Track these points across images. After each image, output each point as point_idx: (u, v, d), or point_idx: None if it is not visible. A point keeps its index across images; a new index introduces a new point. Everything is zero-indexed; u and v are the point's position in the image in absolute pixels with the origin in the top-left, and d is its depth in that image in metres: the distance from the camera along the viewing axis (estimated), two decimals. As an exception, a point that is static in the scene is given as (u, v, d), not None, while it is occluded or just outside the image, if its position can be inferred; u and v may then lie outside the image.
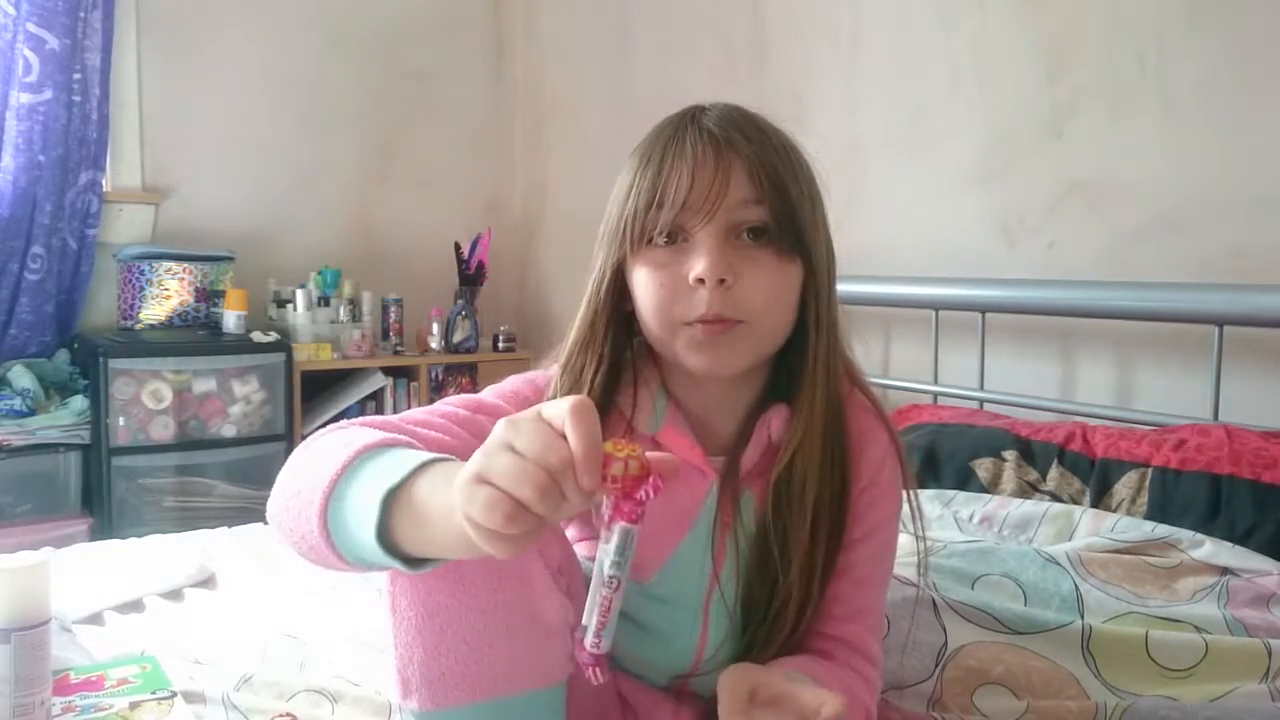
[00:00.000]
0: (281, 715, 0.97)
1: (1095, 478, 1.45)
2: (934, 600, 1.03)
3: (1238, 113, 1.56)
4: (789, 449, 0.83)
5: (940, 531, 1.36)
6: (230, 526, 1.70)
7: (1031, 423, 1.64)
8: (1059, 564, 1.15)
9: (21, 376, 2.46)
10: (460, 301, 3.04)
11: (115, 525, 2.41)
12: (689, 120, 0.82)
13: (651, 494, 0.55)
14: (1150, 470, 1.40)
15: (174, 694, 1.01)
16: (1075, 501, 1.44)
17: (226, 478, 2.62)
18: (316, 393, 2.89)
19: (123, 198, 2.76)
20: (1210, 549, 1.21)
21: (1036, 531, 1.35)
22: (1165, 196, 1.65)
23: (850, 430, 0.86)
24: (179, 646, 1.16)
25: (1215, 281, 1.53)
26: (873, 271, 2.07)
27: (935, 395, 1.94)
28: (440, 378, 3.00)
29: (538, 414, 0.55)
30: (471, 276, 3.07)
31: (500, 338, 3.12)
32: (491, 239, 3.13)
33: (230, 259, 2.82)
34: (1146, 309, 1.59)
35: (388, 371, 2.91)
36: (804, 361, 0.84)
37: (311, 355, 2.76)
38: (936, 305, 1.93)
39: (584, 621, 0.58)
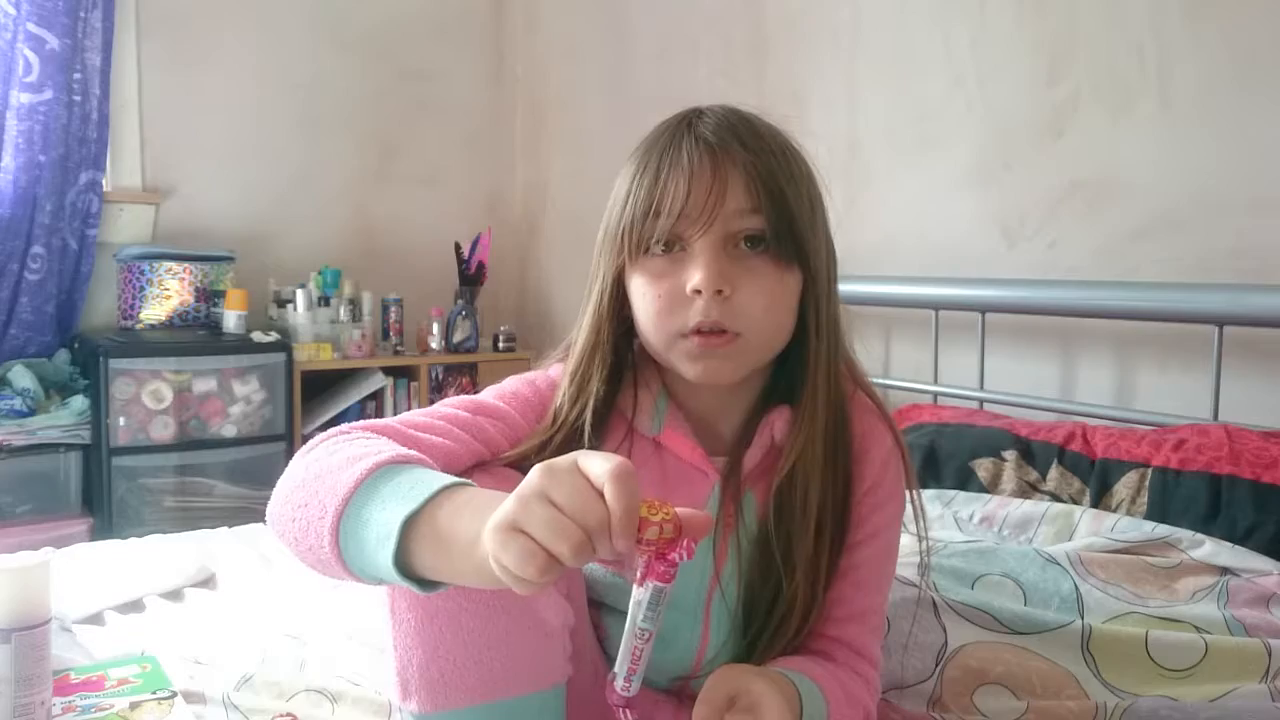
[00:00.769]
0: (282, 715, 0.98)
1: (1095, 478, 1.45)
2: (934, 600, 1.03)
3: (1237, 112, 1.56)
4: (790, 456, 0.83)
5: (940, 531, 1.36)
6: (230, 526, 1.70)
7: (1031, 423, 1.64)
8: (1059, 564, 1.15)
9: (22, 376, 2.46)
10: (460, 301, 3.04)
11: (115, 525, 2.41)
12: (686, 126, 0.81)
13: (685, 556, 0.56)
14: (1150, 470, 1.40)
15: (174, 694, 1.01)
16: (1075, 501, 1.44)
17: (226, 478, 2.61)
18: (317, 393, 2.89)
19: (123, 198, 2.76)
20: (1210, 549, 1.21)
21: (1036, 531, 1.35)
22: (1165, 196, 1.65)
23: (854, 432, 0.86)
24: (179, 646, 1.16)
25: (1215, 281, 1.53)
26: (873, 271, 2.07)
27: (935, 395, 1.94)
28: (440, 378, 3.00)
29: (575, 466, 0.55)
30: (471, 276, 3.07)
31: (500, 338, 3.12)
32: (491, 239, 3.13)
33: (230, 259, 2.82)
34: (1146, 309, 1.59)
35: (388, 371, 2.91)
36: (805, 367, 0.83)
37: (312, 355, 2.76)
38: (936, 305, 1.93)
39: (615, 668, 0.61)
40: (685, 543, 0.56)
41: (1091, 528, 1.32)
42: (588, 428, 0.83)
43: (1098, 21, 1.74)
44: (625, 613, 0.86)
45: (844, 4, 2.21)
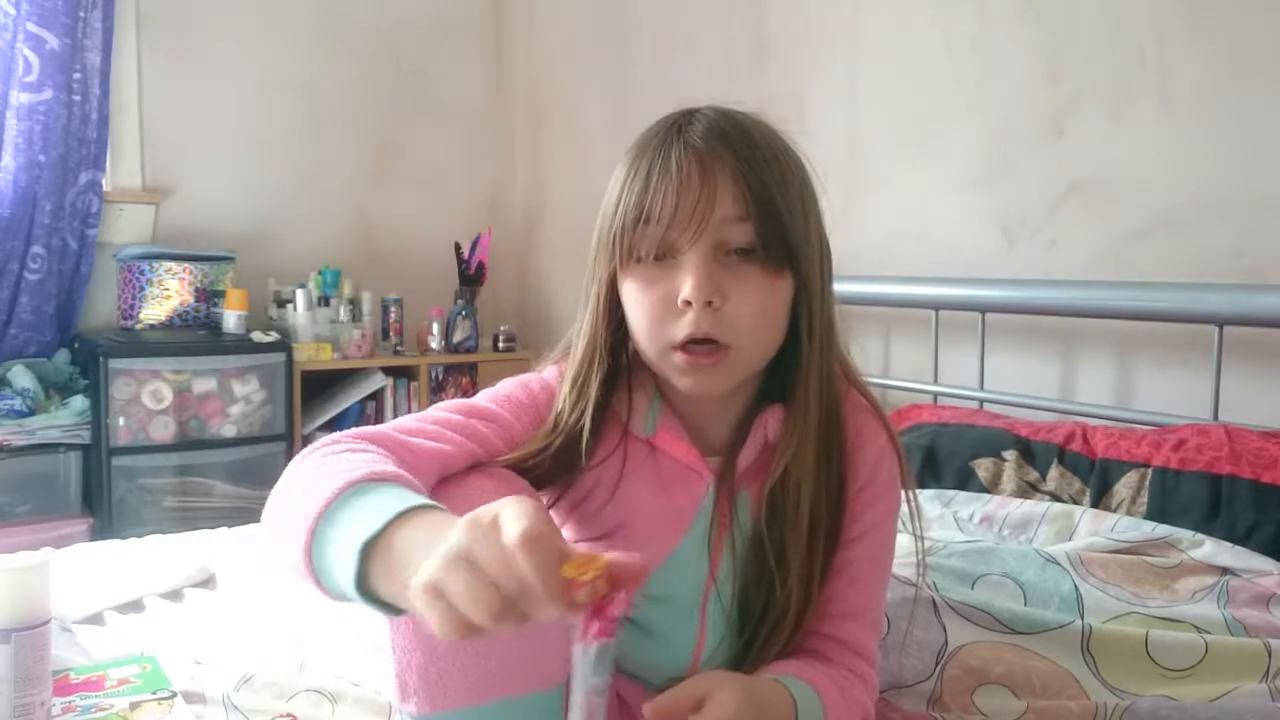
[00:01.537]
0: (282, 715, 0.98)
1: (1095, 478, 1.45)
2: (934, 600, 1.03)
3: (1238, 113, 1.56)
4: (783, 458, 0.83)
5: (940, 531, 1.36)
6: (230, 526, 1.70)
7: (1031, 423, 1.64)
8: (1059, 564, 1.15)
9: (21, 376, 2.46)
10: (460, 301, 3.04)
11: (115, 525, 2.41)
12: (675, 132, 0.80)
13: (622, 610, 0.54)
14: (1150, 470, 1.40)
15: (174, 694, 1.01)
16: (1075, 501, 1.44)
17: (226, 478, 2.61)
18: (316, 393, 2.89)
19: (123, 198, 2.76)
20: (1210, 549, 1.21)
21: (1036, 531, 1.35)
22: (1165, 196, 1.65)
23: (847, 431, 0.86)
24: (179, 646, 1.16)
25: (1215, 281, 1.53)
26: (873, 271, 2.07)
27: (935, 395, 1.94)
28: (440, 378, 3.00)
29: (496, 521, 0.53)
30: (471, 276, 3.07)
31: (500, 337, 3.12)
32: (491, 239, 3.13)
33: (230, 259, 2.82)
34: (1146, 309, 1.59)
35: (388, 371, 2.91)
36: (798, 370, 0.83)
37: (312, 355, 2.76)
38: (936, 305, 1.93)
39: None
40: (621, 595, 0.54)
41: (1091, 528, 1.32)
42: (586, 432, 0.83)
43: (1098, 21, 1.74)
44: (627, 616, 0.87)
45: (844, 4, 2.21)
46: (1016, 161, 1.88)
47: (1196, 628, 1.05)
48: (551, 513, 0.86)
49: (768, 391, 0.87)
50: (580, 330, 0.87)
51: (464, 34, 3.35)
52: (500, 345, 3.11)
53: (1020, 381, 1.84)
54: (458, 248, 3.06)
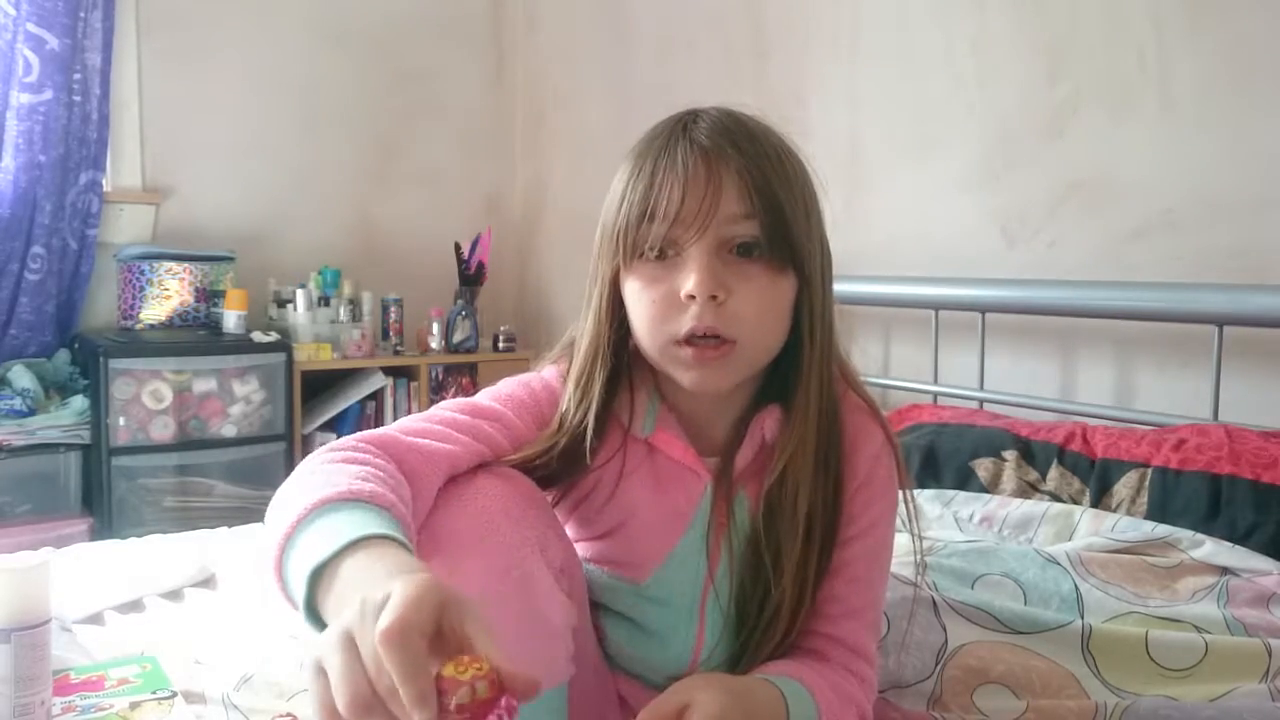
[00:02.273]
0: (282, 715, 0.98)
1: (1095, 478, 1.45)
2: (934, 600, 1.03)
3: (1237, 113, 1.56)
4: (781, 459, 0.83)
5: (940, 531, 1.36)
6: (230, 526, 1.70)
7: (1031, 423, 1.64)
8: (1059, 564, 1.15)
9: (21, 376, 2.46)
10: (460, 301, 3.04)
11: (115, 525, 2.41)
12: (681, 129, 0.81)
13: (506, 718, 0.49)
14: (1150, 470, 1.40)
15: (174, 694, 1.01)
16: (1075, 501, 1.44)
17: (226, 478, 2.61)
18: (317, 393, 2.89)
19: (123, 198, 2.76)
20: (1210, 549, 1.21)
21: (1036, 531, 1.35)
22: (1165, 196, 1.65)
23: (845, 431, 0.86)
24: (179, 646, 1.16)
25: (1215, 281, 1.53)
26: (873, 271, 2.07)
27: (935, 395, 1.94)
28: (440, 378, 3.00)
29: (379, 606, 0.51)
30: (471, 276, 3.07)
31: (500, 338, 3.12)
32: (491, 239, 3.13)
33: (230, 259, 2.82)
34: (1146, 309, 1.59)
35: (388, 371, 2.91)
36: (798, 370, 0.83)
37: (312, 355, 2.76)
38: (936, 305, 1.93)
39: None
40: (505, 701, 0.49)
41: (1091, 528, 1.32)
42: (590, 433, 0.84)
43: (1098, 21, 1.74)
44: (621, 614, 0.87)
45: (844, 4, 2.21)
46: (1016, 161, 1.88)
47: (1196, 627, 1.05)
48: (555, 511, 0.87)
49: (765, 392, 0.87)
50: (584, 329, 0.87)
51: (464, 34, 3.35)
52: (500, 345, 3.11)
53: (1020, 381, 1.84)
54: (458, 248, 3.06)
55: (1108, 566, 1.16)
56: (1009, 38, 1.88)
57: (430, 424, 0.80)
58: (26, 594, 0.91)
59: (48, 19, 2.51)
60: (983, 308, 1.83)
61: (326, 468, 0.70)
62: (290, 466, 0.78)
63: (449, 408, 0.84)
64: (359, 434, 0.77)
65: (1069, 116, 1.78)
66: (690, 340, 0.79)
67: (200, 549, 1.54)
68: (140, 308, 2.67)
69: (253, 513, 2.44)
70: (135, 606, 1.32)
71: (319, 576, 0.59)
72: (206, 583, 1.43)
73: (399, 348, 2.98)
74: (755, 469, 0.85)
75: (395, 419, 0.83)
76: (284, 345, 2.69)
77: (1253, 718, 0.89)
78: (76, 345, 2.63)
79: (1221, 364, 1.50)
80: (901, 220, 2.10)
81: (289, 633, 1.20)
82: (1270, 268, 1.51)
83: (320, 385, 2.90)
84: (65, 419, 2.43)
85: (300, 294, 2.81)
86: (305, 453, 0.78)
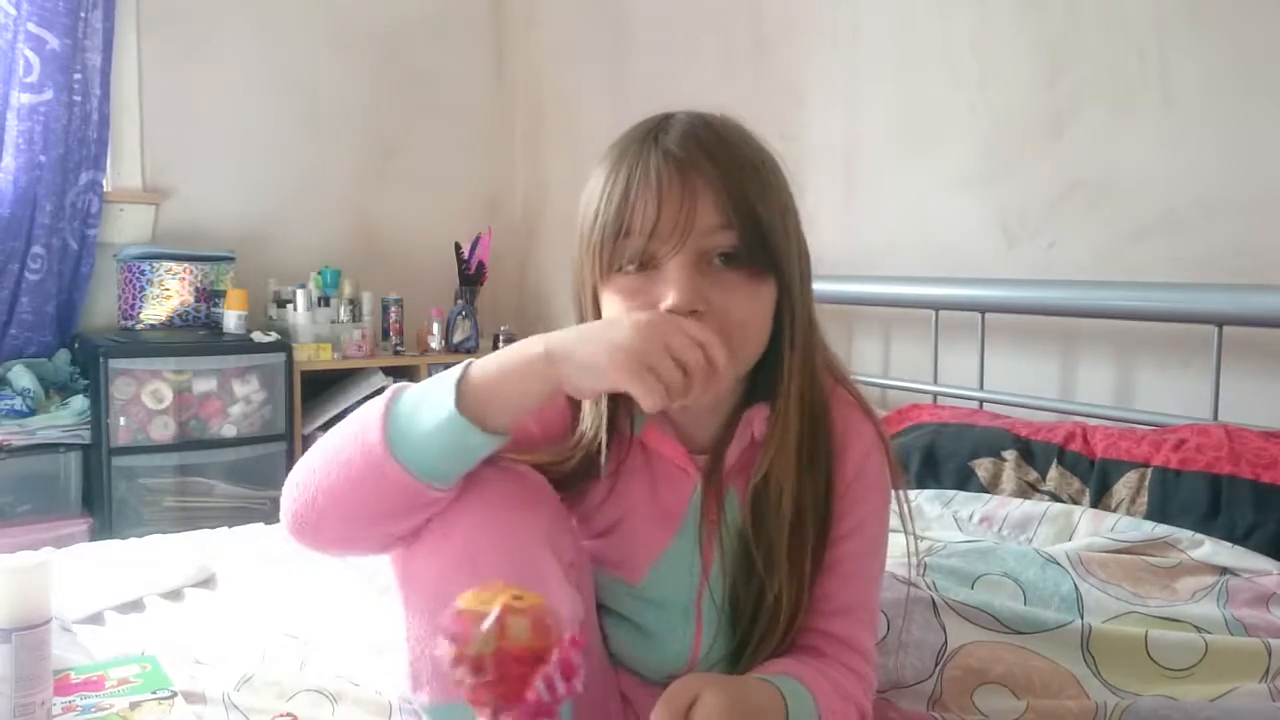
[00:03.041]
0: (282, 715, 0.98)
1: (1095, 478, 1.45)
2: (934, 600, 1.03)
3: (1238, 112, 1.56)
4: (766, 460, 0.83)
5: (940, 531, 1.36)
6: (230, 526, 1.70)
7: (1031, 423, 1.64)
8: (1059, 564, 1.15)
9: (22, 376, 2.46)
10: (460, 301, 3.04)
11: (115, 525, 2.41)
12: (652, 140, 0.79)
13: (564, 689, 0.34)
14: (1150, 470, 1.40)
15: (174, 694, 1.01)
16: (1075, 501, 1.44)
17: (226, 478, 2.61)
18: (316, 393, 2.89)
19: (123, 198, 2.77)
20: (1210, 549, 1.21)
21: (1036, 531, 1.35)
22: (1165, 196, 1.65)
23: (834, 428, 0.86)
24: (179, 646, 1.16)
25: (1215, 281, 1.53)
26: (873, 271, 2.07)
27: (935, 395, 1.94)
28: (440, 378, 3.00)
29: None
30: (471, 276, 3.07)
31: (500, 338, 3.12)
32: (491, 239, 3.13)
33: (230, 259, 2.82)
34: (1146, 309, 1.59)
35: (388, 371, 2.91)
36: (779, 374, 0.83)
37: (312, 355, 2.76)
38: (936, 305, 1.93)
39: None
40: (560, 658, 0.34)
41: (1091, 528, 1.32)
42: (604, 446, 0.84)
43: (1098, 21, 1.74)
44: (620, 614, 0.87)
45: (844, 4, 2.21)
46: (1017, 161, 1.88)
47: (1196, 627, 1.05)
48: None
49: (755, 390, 0.87)
50: None
51: (464, 34, 3.35)
52: (500, 345, 3.09)
53: (1020, 381, 1.84)
54: (458, 248, 3.06)
55: (1107, 566, 1.16)
56: (1009, 37, 1.88)
57: None
58: (27, 594, 0.91)
59: (48, 19, 2.51)
60: (983, 308, 1.83)
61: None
62: (290, 466, 0.78)
63: None
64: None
65: (1069, 116, 1.78)
66: None
67: (200, 549, 1.54)
68: (140, 308, 2.67)
69: (253, 513, 2.44)
70: (135, 606, 1.32)
71: (457, 392, 0.71)
72: (206, 583, 1.43)
73: (399, 348, 2.98)
74: (744, 466, 0.85)
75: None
76: (284, 345, 2.69)
77: (1253, 718, 0.89)
78: (76, 345, 2.63)
79: (1221, 364, 1.50)
80: (901, 220, 2.10)
81: (289, 632, 1.20)
82: (1270, 268, 1.51)
83: (320, 385, 2.90)
84: (65, 419, 2.43)
85: (300, 294, 2.81)
86: (305, 453, 0.79)
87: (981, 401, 1.85)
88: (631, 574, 0.86)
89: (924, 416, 1.79)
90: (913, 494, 1.50)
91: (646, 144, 0.79)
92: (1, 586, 0.90)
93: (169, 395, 2.52)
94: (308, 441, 2.76)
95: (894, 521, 0.90)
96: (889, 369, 2.12)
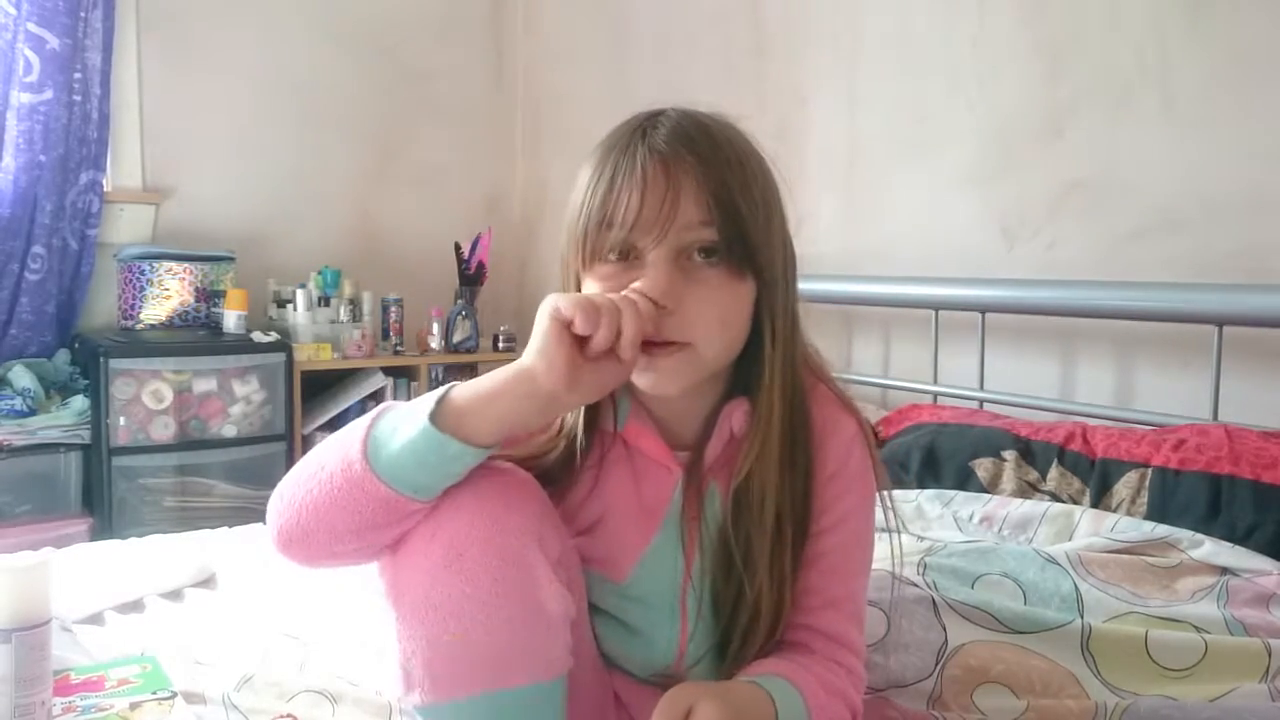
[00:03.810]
0: (282, 716, 0.98)
1: (1095, 478, 1.45)
2: (934, 600, 1.03)
3: (1238, 112, 1.56)
4: (748, 459, 0.83)
5: (940, 531, 1.36)
6: (230, 526, 1.70)
7: (1031, 423, 1.64)
8: (1059, 564, 1.15)
9: (22, 376, 2.46)
10: (460, 301, 3.04)
11: (115, 525, 2.41)
12: (640, 135, 0.81)
13: None
14: (1150, 470, 1.40)
15: (174, 694, 1.01)
16: (1075, 501, 1.44)
17: (226, 478, 2.61)
18: (317, 393, 2.89)
19: (123, 198, 2.76)
20: (1210, 549, 1.21)
21: (1036, 531, 1.35)
22: (1165, 196, 1.65)
23: (814, 423, 0.86)
24: (179, 646, 1.16)
25: (1215, 281, 1.53)
26: (873, 271, 2.08)
27: (935, 395, 1.95)
28: (440, 378, 3.00)
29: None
30: (471, 276, 3.07)
31: (500, 337, 3.12)
32: (491, 239, 3.13)
33: (230, 259, 2.82)
34: (1146, 309, 1.59)
35: (388, 371, 2.91)
36: (760, 374, 0.83)
37: (312, 355, 2.76)
38: (936, 305, 1.93)
39: None
40: None
41: (1091, 528, 1.32)
42: (580, 435, 0.85)
43: (1098, 21, 1.74)
44: (606, 612, 0.87)
45: (844, 4, 2.21)
46: (1016, 161, 1.88)
47: (1196, 627, 1.05)
48: None
49: (735, 387, 0.87)
50: None
51: (464, 34, 3.35)
52: (500, 345, 3.11)
53: (1020, 381, 1.84)
54: (458, 248, 3.06)
55: (1108, 566, 1.16)
56: (1009, 38, 1.88)
57: None
58: (27, 594, 0.91)
59: (48, 19, 2.51)
60: (983, 308, 1.83)
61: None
62: (290, 466, 0.78)
63: None
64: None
65: (1069, 116, 1.79)
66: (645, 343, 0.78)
67: (200, 549, 1.54)
68: (140, 308, 2.67)
69: (253, 513, 2.44)
70: (135, 606, 1.32)
71: (435, 416, 0.72)
72: (206, 583, 1.43)
73: (399, 348, 2.98)
74: (724, 462, 0.85)
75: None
76: (284, 345, 2.69)
77: (1253, 718, 0.89)
78: (77, 345, 2.63)
79: (1221, 364, 1.50)
80: (901, 220, 2.10)
81: (289, 632, 1.20)
82: (1270, 268, 1.51)
83: (320, 385, 2.90)
84: (65, 419, 2.43)
85: (300, 294, 2.81)
86: (306, 453, 0.79)
87: (981, 401, 1.85)
88: (615, 572, 0.86)
89: (924, 416, 1.79)
90: (913, 494, 1.50)
91: (635, 138, 0.81)
92: (1, 586, 0.90)
93: (169, 395, 2.52)
94: (308, 441, 2.76)
95: (882, 520, 0.90)
96: (889, 369, 2.12)
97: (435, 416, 0.72)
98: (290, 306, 2.83)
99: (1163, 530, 1.26)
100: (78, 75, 2.59)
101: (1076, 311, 1.70)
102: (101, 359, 2.43)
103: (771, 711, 0.74)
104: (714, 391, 0.87)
